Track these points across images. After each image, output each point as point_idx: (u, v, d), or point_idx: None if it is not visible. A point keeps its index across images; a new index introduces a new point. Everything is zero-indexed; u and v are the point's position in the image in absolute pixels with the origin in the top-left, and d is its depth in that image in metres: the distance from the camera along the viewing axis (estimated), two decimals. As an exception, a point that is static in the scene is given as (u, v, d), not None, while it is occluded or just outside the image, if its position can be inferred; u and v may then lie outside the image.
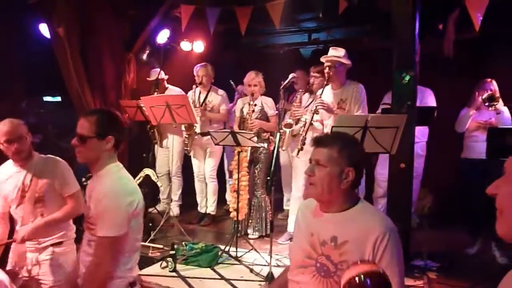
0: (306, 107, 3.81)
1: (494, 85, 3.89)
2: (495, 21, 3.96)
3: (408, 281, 3.13)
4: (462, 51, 4.63)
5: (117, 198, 1.74)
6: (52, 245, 2.36)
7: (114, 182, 1.78)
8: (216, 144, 3.65)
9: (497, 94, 3.69)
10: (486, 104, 3.68)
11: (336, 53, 3.43)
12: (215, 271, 3.33)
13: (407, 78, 3.43)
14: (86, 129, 1.80)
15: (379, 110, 3.96)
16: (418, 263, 3.43)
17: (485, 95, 3.70)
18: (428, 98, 3.94)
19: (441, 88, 4.41)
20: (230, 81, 4.51)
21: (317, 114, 3.39)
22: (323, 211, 1.61)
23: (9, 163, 2.40)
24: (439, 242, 3.95)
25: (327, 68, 3.38)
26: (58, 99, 5.14)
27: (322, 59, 3.46)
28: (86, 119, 1.82)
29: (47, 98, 5.17)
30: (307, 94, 4.04)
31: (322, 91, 3.40)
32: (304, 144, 3.32)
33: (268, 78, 4.37)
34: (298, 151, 3.31)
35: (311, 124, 3.38)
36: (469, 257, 3.76)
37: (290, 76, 3.56)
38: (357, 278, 1.20)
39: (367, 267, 1.25)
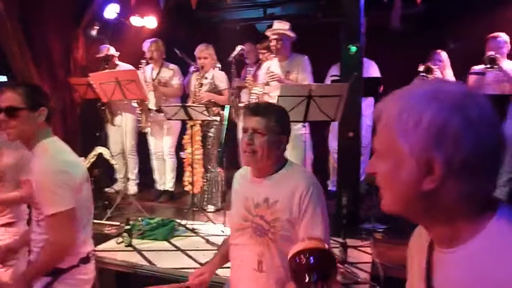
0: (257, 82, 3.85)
1: (443, 56, 4.08)
2: None
3: (356, 242, 3.32)
4: (409, 24, 4.82)
5: (55, 175, 1.70)
6: (3, 225, 2.31)
7: (52, 158, 1.74)
8: (168, 119, 3.64)
9: (435, 66, 3.87)
10: (423, 75, 3.88)
11: (282, 26, 3.53)
12: (171, 243, 3.38)
13: (354, 49, 3.53)
14: (15, 100, 1.70)
15: (328, 82, 4.07)
16: (366, 226, 3.63)
17: (422, 68, 3.89)
18: (371, 70, 4.08)
19: (389, 61, 4.56)
20: (175, 49, 4.36)
21: (267, 86, 3.46)
22: (256, 176, 1.74)
23: None
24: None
25: (274, 41, 3.44)
26: (4, 78, 4.91)
27: (268, 33, 3.53)
28: (13, 90, 1.72)
29: (-9, 78, 4.93)
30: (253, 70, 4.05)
31: (271, 64, 3.47)
32: None
33: (224, 54, 4.35)
34: None
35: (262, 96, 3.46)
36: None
37: (238, 48, 3.60)
38: (302, 256, 1.21)
39: (311, 244, 1.26)
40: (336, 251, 3.08)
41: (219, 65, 4.23)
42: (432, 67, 3.93)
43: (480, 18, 4.44)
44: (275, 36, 3.49)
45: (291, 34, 3.56)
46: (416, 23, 4.89)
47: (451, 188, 0.70)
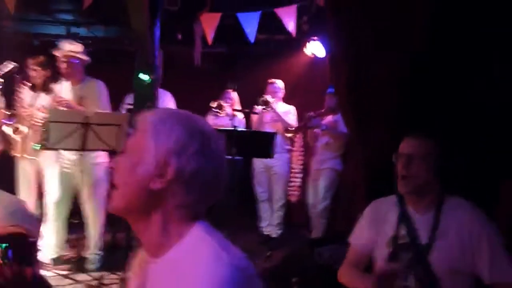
0: (33, 105, 3.45)
1: (233, 94, 4.52)
2: (242, 38, 4.60)
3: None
4: (211, 63, 5.23)
5: None
6: None
7: None
8: None
9: (226, 104, 4.27)
10: (215, 111, 4.23)
11: (73, 48, 3.34)
12: None
13: (146, 79, 3.59)
14: None
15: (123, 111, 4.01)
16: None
17: (214, 104, 4.25)
18: (167, 101, 4.19)
19: (188, 94, 4.79)
20: None
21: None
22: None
23: None
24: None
25: (64, 63, 3.24)
26: None
27: (56, 53, 3.29)
28: None
29: None
30: (28, 90, 3.64)
31: (61, 87, 3.22)
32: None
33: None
34: (42, 147, 2.99)
35: None
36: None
37: (10, 65, 3.21)
38: None
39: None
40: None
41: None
42: (223, 104, 4.32)
43: (268, 64, 5.15)
44: (65, 59, 3.26)
45: (84, 57, 3.36)
46: (217, 62, 5.34)
47: (175, 195, 0.84)
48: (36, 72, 3.45)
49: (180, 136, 0.84)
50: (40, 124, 3.17)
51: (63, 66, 3.30)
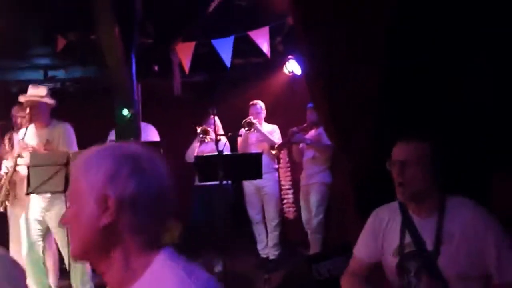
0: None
1: (216, 120, 4.51)
2: (218, 65, 4.65)
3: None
4: (191, 91, 5.26)
5: None
6: None
7: None
8: None
9: (209, 128, 4.27)
10: (201, 136, 4.22)
11: (37, 92, 3.29)
12: None
13: (127, 114, 3.59)
14: None
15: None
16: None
17: (199, 129, 4.25)
18: (151, 134, 4.18)
19: (170, 125, 4.80)
20: None
21: (21, 158, 3.08)
22: None
23: None
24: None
25: (28, 108, 3.19)
26: None
27: (21, 99, 3.25)
28: None
29: None
30: (17, 137, 3.58)
31: (25, 133, 3.17)
32: (8, 193, 2.98)
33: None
34: (2, 202, 2.93)
35: (15, 170, 3.03)
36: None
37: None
38: None
39: None
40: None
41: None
42: (208, 129, 4.32)
43: (246, 87, 5.19)
44: (29, 104, 3.21)
45: (49, 101, 3.31)
46: (195, 90, 5.37)
47: (125, 225, 0.85)
48: (22, 119, 3.41)
49: (109, 165, 0.85)
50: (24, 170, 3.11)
51: (27, 111, 3.23)
